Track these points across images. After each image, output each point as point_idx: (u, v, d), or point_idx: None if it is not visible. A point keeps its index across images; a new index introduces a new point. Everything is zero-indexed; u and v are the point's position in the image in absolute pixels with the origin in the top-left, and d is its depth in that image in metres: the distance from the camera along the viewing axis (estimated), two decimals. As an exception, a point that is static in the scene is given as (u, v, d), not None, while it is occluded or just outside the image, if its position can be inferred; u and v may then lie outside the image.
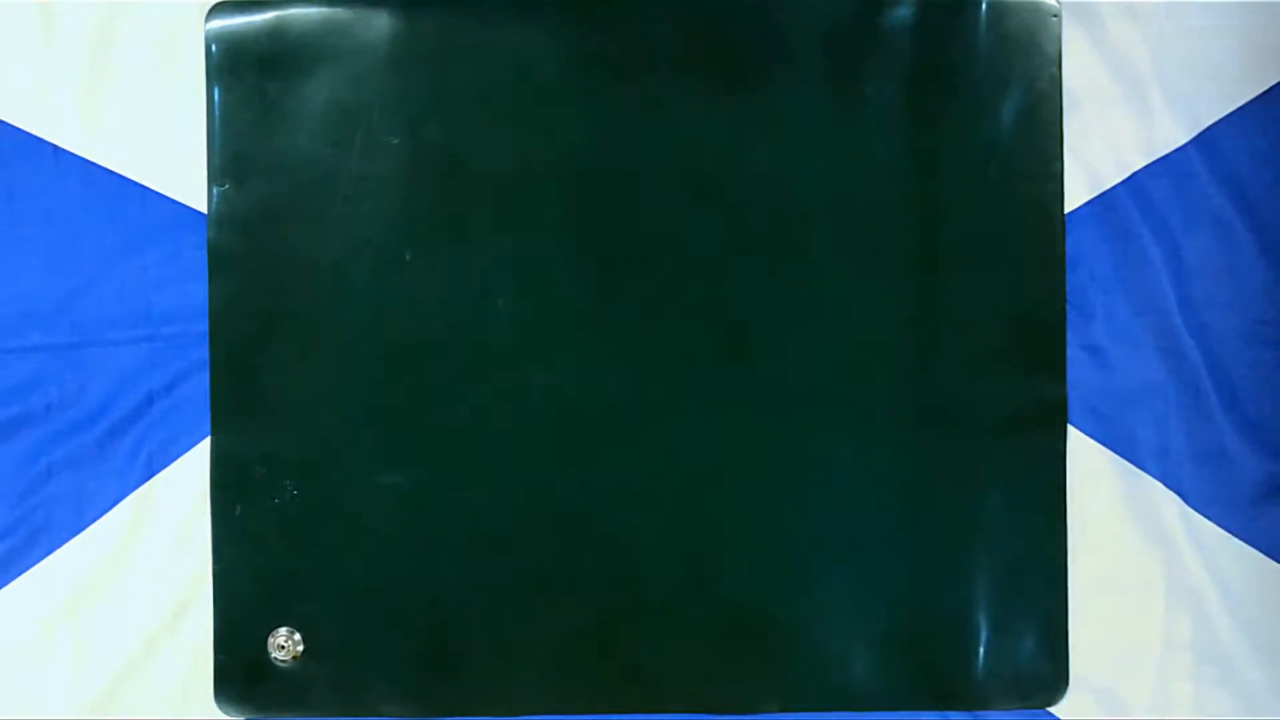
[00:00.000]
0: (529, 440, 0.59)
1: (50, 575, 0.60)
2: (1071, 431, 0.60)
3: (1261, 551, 0.60)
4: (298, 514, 0.59)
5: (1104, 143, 0.60)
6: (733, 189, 0.59)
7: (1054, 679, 0.60)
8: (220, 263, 0.59)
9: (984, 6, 0.59)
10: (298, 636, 0.59)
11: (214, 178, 0.59)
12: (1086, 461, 0.60)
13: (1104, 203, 0.60)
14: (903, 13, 0.59)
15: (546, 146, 0.59)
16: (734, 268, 0.59)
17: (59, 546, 0.60)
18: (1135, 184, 0.60)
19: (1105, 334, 0.60)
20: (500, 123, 0.59)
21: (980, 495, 0.59)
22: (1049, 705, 0.60)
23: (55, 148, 0.60)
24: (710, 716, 0.60)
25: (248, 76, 0.59)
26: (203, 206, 0.60)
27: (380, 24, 0.59)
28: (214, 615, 0.59)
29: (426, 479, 0.59)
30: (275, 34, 0.59)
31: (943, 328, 0.59)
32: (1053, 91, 0.60)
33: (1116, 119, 0.61)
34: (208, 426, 0.60)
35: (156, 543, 0.60)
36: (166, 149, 0.60)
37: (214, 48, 0.59)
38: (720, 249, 0.59)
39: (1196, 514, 0.60)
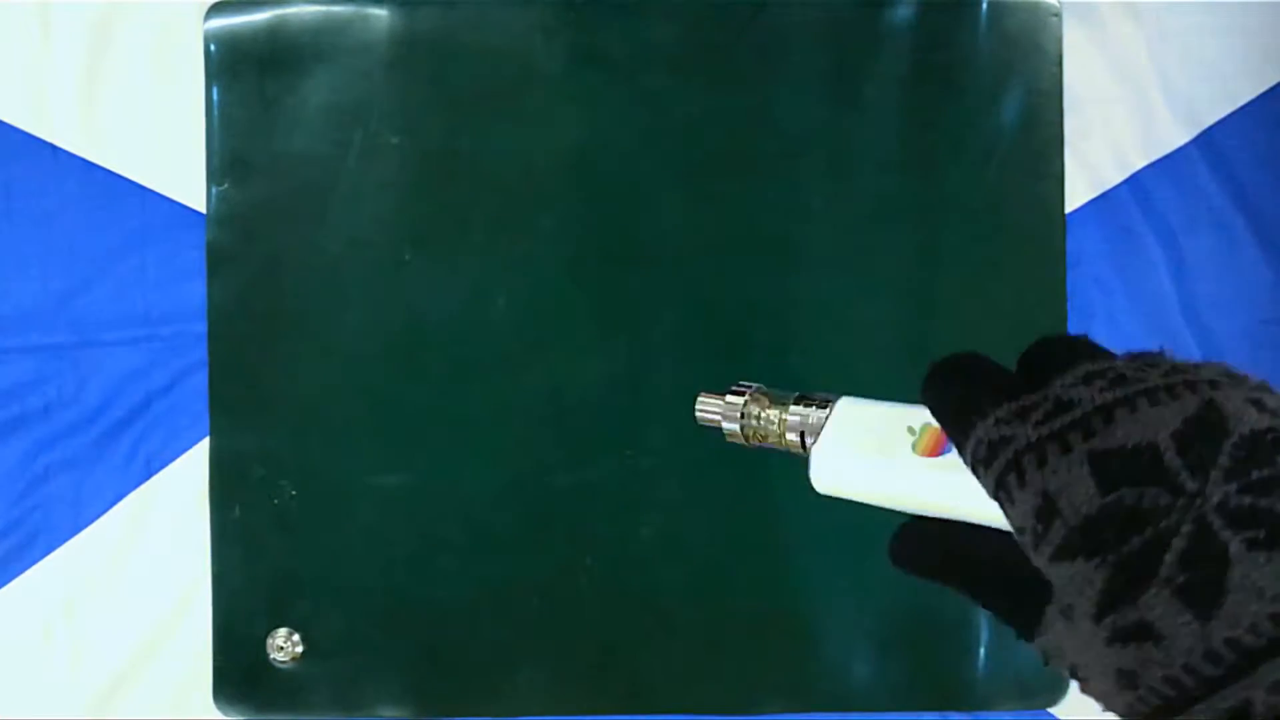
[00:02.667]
0: (529, 440, 0.59)
1: (49, 576, 0.60)
2: (1072, 432, 0.60)
3: (1263, 552, 0.60)
4: (297, 514, 0.59)
5: (1105, 142, 0.60)
6: (732, 189, 0.59)
7: (1055, 679, 0.59)
8: (219, 262, 0.59)
9: (984, 6, 0.59)
10: (297, 637, 0.59)
11: (213, 177, 0.59)
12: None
13: (1105, 202, 0.60)
14: (903, 12, 0.59)
15: (547, 146, 0.59)
16: (734, 267, 0.59)
17: (57, 547, 0.60)
18: (1136, 184, 0.60)
19: (1106, 334, 0.60)
20: (500, 122, 0.59)
21: (981, 496, 0.59)
22: (1050, 706, 0.60)
23: (54, 147, 0.60)
24: (710, 717, 0.60)
25: (247, 76, 0.59)
26: (202, 206, 0.60)
27: (380, 23, 0.59)
28: (213, 616, 0.59)
29: (426, 479, 0.59)
30: (274, 33, 0.59)
31: (943, 327, 0.59)
32: (1053, 91, 0.60)
33: (1117, 119, 0.61)
34: (206, 426, 0.59)
35: (155, 543, 0.60)
36: (165, 148, 0.60)
37: (213, 47, 0.59)
38: (720, 249, 0.59)
39: (1197, 514, 0.60)
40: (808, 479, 0.31)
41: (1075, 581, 0.22)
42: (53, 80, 0.60)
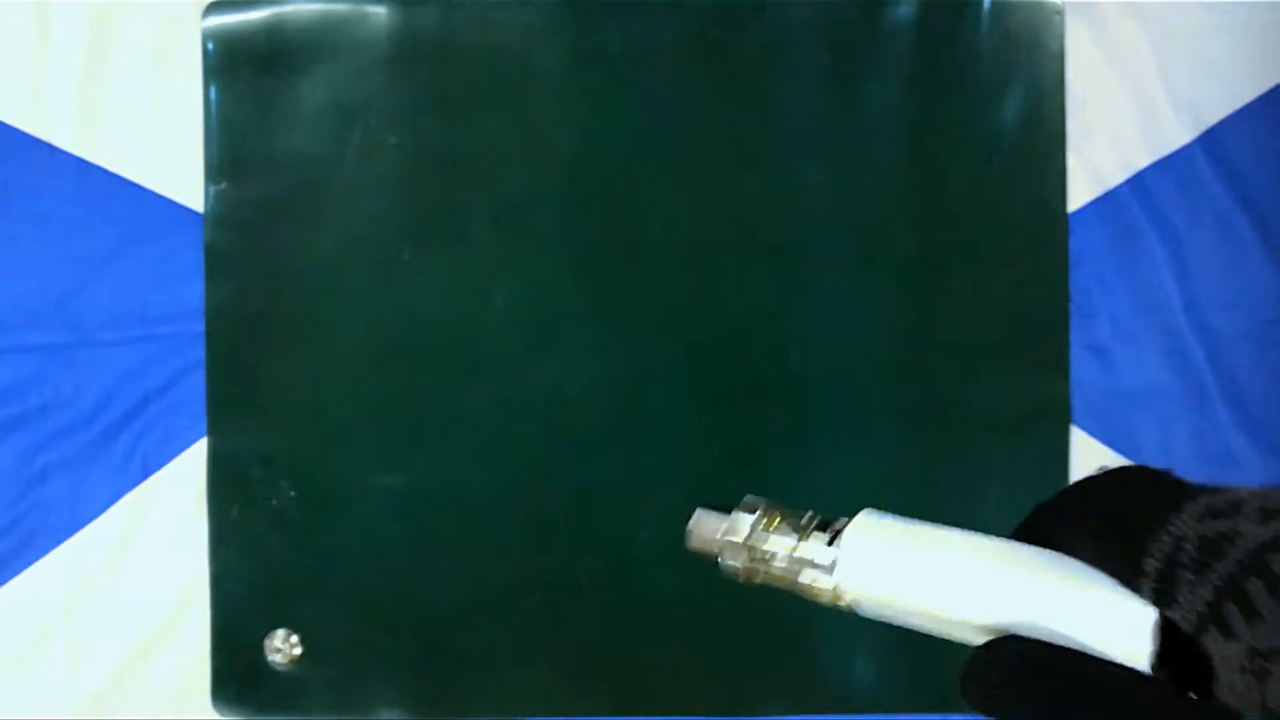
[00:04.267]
0: (528, 441, 0.59)
1: (46, 576, 0.60)
2: (1075, 431, 0.60)
3: (1265, 553, 0.60)
4: (295, 515, 0.59)
5: (1107, 141, 0.60)
6: (733, 187, 0.59)
7: (1056, 681, 0.59)
8: (217, 262, 0.59)
9: (986, 4, 0.59)
10: (295, 639, 0.59)
11: (211, 176, 0.59)
12: (1090, 462, 0.60)
13: (1107, 202, 0.60)
14: (904, 11, 0.59)
15: (546, 145, 0.59)
16: (734, 267, 0.59)
17: (55, 547, 0.60)
18: (1139, 183, 0.60)
19: (1109, 334, 0.60)
20: (499, 121, 0.59)
21: (982, 496, 0.59)
22: (1051, 707, 0.60)
23: (51, 146, 0.60)
24: (710, 718, 0.60)
25: (245, 74, 0.59)
26: (199, 205, 0.59)
27: (378, 21, 0.59)
28: (211, 617, 0.59)
29: (425, 480, 0.59)
30: (272, 31, 0.59)
31: (945, 327, 0.59)
32: (1056, 90, 0.59)
33: (1120, 118, 0.60)
34: (204, 427, 0.59)
35: (153, 544, 0.60)
36: (163, 148, 0.60)
37: (210, 45, 0.59)
38: (720, 248, 0.59)
39: (1200, 515, 0.60)
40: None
41: None
42: (50, 79, 0.60)
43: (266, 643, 0.59)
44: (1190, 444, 0.60)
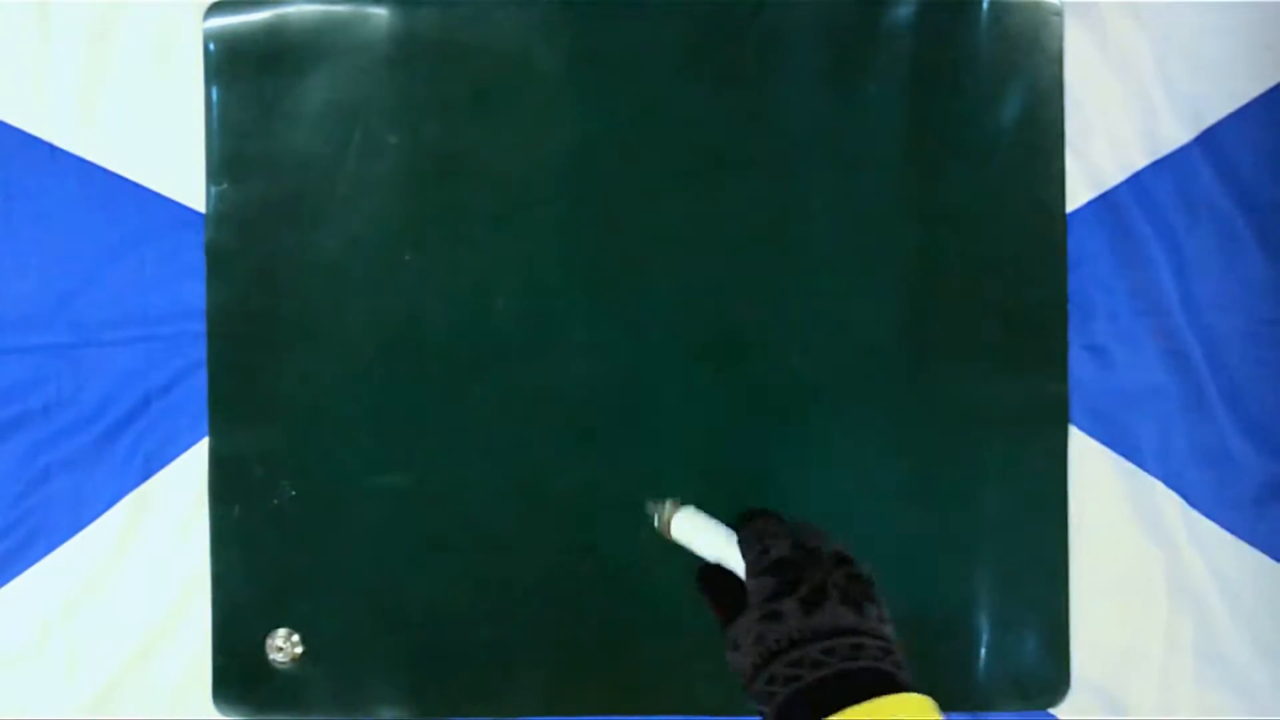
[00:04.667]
0: (528, 441, 0.59)
1: (48, 576, 0.60)
2: (1073, 431, 0.60)
3: (1263, 552, 0.60)
4: (296, 515, 0.59)
5: (1106, 141, 0.60)
6: (732, 188, 0.59)
7: (1056, 680, 0.59)
8: (218, 262, 0.59)
9: (985, 5, 0.59)
10: (296, 638, 0.59)
11: (212, 177, 0.59)
12: (1088, 461, 0.60)
13: (1106, 202, 0.60)
14: (904, 11, 0.59)
15: (545, 145, 0.59)
16: (734, 267, 0.59)
17: (57, 547, 0.60)
18: (1137, 183, 0.60)
19: (1107, 334, 0.60)
20: (499, 121, 0.59)
21: (981, 495, 0.59)
22: (1050, 706, 0.60)
23: (53, 147, 0.60)
24: (710, 718, 0.60)
25: (246, 75, 0.59)
26: (201, 206, 0.60)
27: (379, 22, 0.59)
28: (212, 616, 0.59)
29: (425, 480, 0.59)
30: (273, 32, 0.59)
31: (944, 327, 0.59)
32: (1054, 90, 0.59)
33: (1118, 118, 0.60)
34: (205, 427, 0.59)
35: (154, 543, 0.60)
36: (164, 148, 0.60)
37: (212, 46, 0.59)
38: (720, 248, 0.59)
39: (1198, 514, 0.60)
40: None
41: (762, 586, 0.47)
42: (52, 80, 0.60)
43: (268, 642, 0.59)
44: (1188, 443, 0.60)
